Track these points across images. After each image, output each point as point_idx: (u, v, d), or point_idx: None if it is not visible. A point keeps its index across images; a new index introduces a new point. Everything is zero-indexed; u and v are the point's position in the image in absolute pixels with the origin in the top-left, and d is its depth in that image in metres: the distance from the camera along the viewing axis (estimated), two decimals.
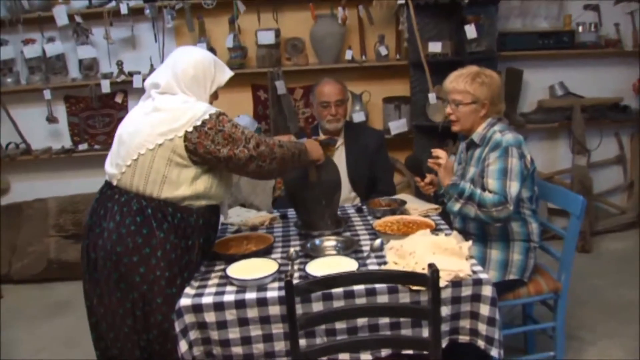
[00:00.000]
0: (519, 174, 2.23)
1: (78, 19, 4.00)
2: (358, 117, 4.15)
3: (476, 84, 2.35)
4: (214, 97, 2.16)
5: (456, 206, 2.28)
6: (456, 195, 2.27)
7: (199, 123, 1.95)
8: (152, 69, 4.14)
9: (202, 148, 1.96)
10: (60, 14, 3.97)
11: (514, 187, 2.21)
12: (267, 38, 4.04)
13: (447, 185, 2.31)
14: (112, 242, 1.94)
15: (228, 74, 2.18)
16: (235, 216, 2.70)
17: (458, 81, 2.38)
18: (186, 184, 2.00)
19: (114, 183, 2.02)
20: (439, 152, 2.38)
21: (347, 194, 3.08)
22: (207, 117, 1.96)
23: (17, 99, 4.23)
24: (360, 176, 3.09)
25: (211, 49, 4.13)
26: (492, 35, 3.92)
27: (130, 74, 4.09)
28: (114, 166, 2.03)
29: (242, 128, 2.03)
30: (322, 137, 2.55)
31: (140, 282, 1.94)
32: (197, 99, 2.04)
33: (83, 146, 4.30)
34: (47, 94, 4.12)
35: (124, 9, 3.95)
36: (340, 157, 3.12)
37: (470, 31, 3.72)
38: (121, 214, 1.97)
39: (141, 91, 4.10)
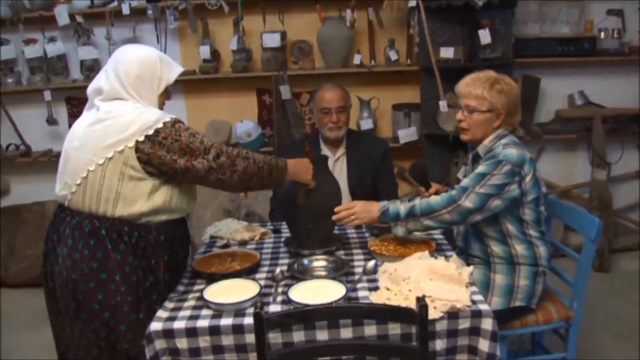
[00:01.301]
0: (494, 187, 2.05)
1: (79, 18, 3.89)
2: (366, 124, 3.99)
3: (495, 90, 2.15)
4: (164, 97, 1.99)
5: (400, 230, 2.14)
6: (392, 224, 2.14)
7: (151, 132, 1.79)
8: None
9: (157, 159, 1.81)
10: (61, 14, 3.87)
11: (480, 189, 2.05)
12: (273, 40, 3.89)
13: (377, 218, 2.16)
14: (66, 269, 1.81)
15: (177, 70, 1.98)
16: (226, 228, 2.56)
17: (475, 85, 2.17)
18: (142, 199, 1.84)
19: (65, 204, 1.87)
20: (341, 208, 2.18)
21: None
22: (160, 125, 1.80)
23: (17, 99, 4.14)
24: (361, 188, 2.92)
25: (215, 51, 4.01)
26: (508, 41, 3.73)
27: None
28: (63, 186, 1.88)
29: (200, 137, 1.87)
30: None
31: (100, 310, 1.80)
32: (146, 102, 1.88)
33: None
34: (48, 95, 4.03)
35: (125, 9, 3.83)
36: (341, 168, 2.96)
37: (485, 36, 3.54)
38: (73, 237, 1.83)
39: None
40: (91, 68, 4.05)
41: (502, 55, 3.65)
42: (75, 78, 4.13)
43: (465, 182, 2.11)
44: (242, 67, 3.98)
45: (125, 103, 1.86)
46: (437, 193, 2.32)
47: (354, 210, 2.16)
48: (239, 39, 3.92)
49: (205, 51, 3.92)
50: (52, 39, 4.00)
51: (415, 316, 1.36)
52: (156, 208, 1.87)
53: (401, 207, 2.12)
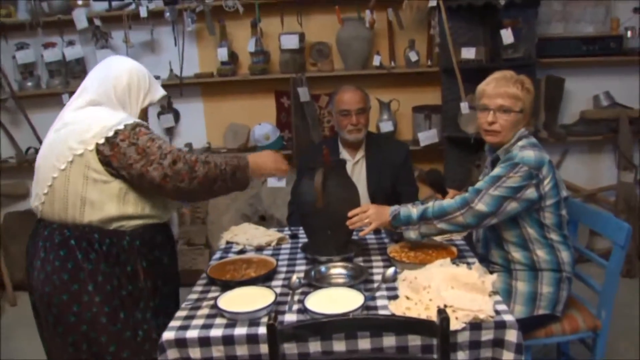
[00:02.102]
0: (509, 189, 1.97)
1: (97, 22, 3.89)
2: (386, 126, 3.92)
3: (525, 90, 2.07)
4: (143, 115, 1.94)
5: (413, 234, 2.06)
6: (404, 226, 2.06)
7: (111, 134, 1.73)
8: (171, 74, 4.01)
9: (116, 161, 1.74)
10: (79, 17, 3.87)
11: (494, 192, 1.97)
12: (291, 42, 3.85)
13: (389, 223, 2.08)
14: (41, 283, 1.76)
15: (161, 92, 1.98)
16: (242, 234, 2.51)
17: (508, 84, 2.06)
18: (111, 203, 1.77)
19: (39, 216, 1.83)
20: (354, 212, 2.10)
21: None
22: (121, 127, 1.74)
23: (36, 103, 4.14)
24: (381, 192, 2.86)
25: (233, 54, 3.98)
26: (531, 41, 3.63)
27: None
28: (34, 197, 1.84)
29: (160, 142, 1.78)
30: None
31: (77, 323, 1.75)
32: (127, 111, 1.85)
33: None
34: (66, 99, 4.01)
35: (143, 12, 3.82)
36: (360, 171, 2.90)
37: (507, 36, 3.45)
38: (45, 249, 1.78)
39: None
40: None
41: (524, 55, 3.56)
42: None
43: (479, 184, 2.04)
44: (260, 69, 3.94)
45: (95, 108, 1.81)
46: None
47: (367, 214, 2.09)
48: (257, 41, 3.89)
49: (223, 53, 3.89)
50: (70, 43, 4.00)
51: (436, 329, 1.29)
52: (127, 213, 1.80)
53: (413, 210, 2.05)
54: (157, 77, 3.91)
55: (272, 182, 4.03)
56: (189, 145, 4.16)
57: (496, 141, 2.13)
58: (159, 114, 4.14)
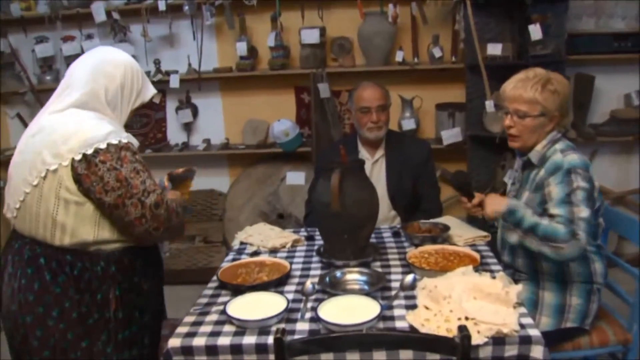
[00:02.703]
0: (586, 200, 1.84)
1: (116, 15, 3.84)
2: (408, 124, 3.82)
3: (547, 92, 1.94)
4: (133, 114, 1.77)
5: (513, 237, 1.92)
6: (512, 225, 1.91)
7: (90, 151, 1.53)
8: (189, 68, 3.95)
9: (88, 183, 1.54)
10: (98, 11, 3.82)
11: (583, 214, 1.82)
12: (312, 37, 3.75)
13: (501, 211, 1.94)
14: (7, 299, 1.63)
15: (152, 90, 1.79)
16: (256, 234, 2.44)
17: (525, 87, 1.95)
18: (85, 227, 1.59)
19: (12, 228, 1.68)
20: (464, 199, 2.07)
21: (385, 213, 2.76)
22: (103, 145, 1.54)
23: None
24: (401, 193, 2.76)
25: (252, 48, 3.90)
26: (561, 37, 3.48)
27: (167, 73, 3.90)
28: (7, 208, 1.68)
29: (144, 177, 1.59)
30: (179, 170, 2.01)
31: (40, 347, 1.60)
32: (117, 114, 1.68)
33: None
34: None
35: (161, 6, 3.75)
36: (380, 170, 2.81)
37: (535, 32, 3.32)
38: (13, 264, 1.63)
39: (177, 91, 4.00)
40: None
41: (553, 52, 3.42)
42: None
43: (559, 212, 1.85)
44: (280, 64, 3.85)
45: (77, 112, 1.62)
46: (480, 204, 2.13)
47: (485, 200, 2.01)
48: (277, 36, 3.80)
49: (242, 48, 3.81)
50: (89, 36, 3.96)
51: (457, 348, 1.20)
52: (103, 238, 1.62)
53: (528, 215, 1.89)
54: (175, 72, 3.88)
55: (291, 179, 3.97)
56: (207, 141, 4.09)
57: (517, 146, 2.04)
58: (177, 109, 4.09)
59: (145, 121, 4.21)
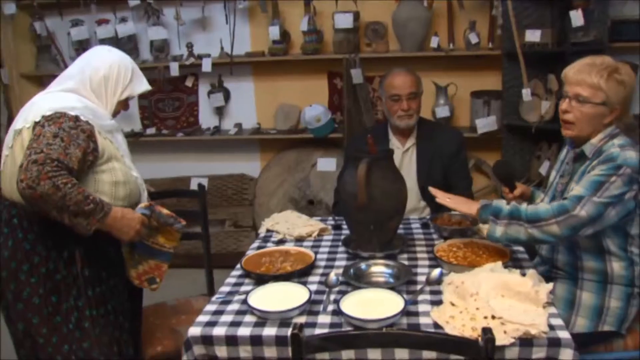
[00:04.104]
0: (615, 197, 1.75)
1: None
2: (442, 112, 3.73)
3: (613, 80, 1.81)
4: (122, 106, 1.98)
5: (498, 231, 1.84)
6: (492, 218, 1.85)
7: (43, 114, 1.74)
8: (222, 52, 3.93)
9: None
10: None
11: (596, 199, 1.74)
12: (345, 21, 3.69)
13: (476, 210, 1.90)
14: None
15: (145, 86, 2.00)
16: (283, 222, 2.41)
17: (591, 72, 1.83)
18: None
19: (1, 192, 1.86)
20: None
21: (415, 204, 2.70)
22: (49, 112, 1.74)
23: None
24: (432, 183, 2.68)
25: (285, 32, 3.85)
26: (603, 23, 3.34)
27: (200, 57, 3.89)
28: None
29: (56, 142, 1.66)
30: (165, 211, 1.95)
31: (14, 300, 1.79)
32: (101, 103, 1.89)
33: (151, 130, 4.16)
34: None
35: None
36: (410, 160, 2.75)
37: (577, 18, 3.18)
38: None
39: (209, 75, 3.98)
40: (160, 48, 4.00)
41: (595, 39, 3.28)
42: (144, 59, 4.10)
43: (578, 190, 1.79)
44: (313, 49, 3.80)
45: (61, 94, 1.85)
46: (522, 195, 2.06)
47: (454, 197, 2.02)
48: (310, 20, 3.75)
49: (274, 32, 3.77)
50: (123, 19, 3.98)
51: (480, 351, 1.15)
52: None
53: (505, 206, 1.85)
54: (208, 55, 3.87)
55: (322, 165, 3.93)
56: (238, 125, 4.08)
57: (571, 134, 1.93)
58: (209, 93, 4.08)
59: (177, 104, 4.22)
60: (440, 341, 1.20)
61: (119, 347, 1.89)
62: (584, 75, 1.84)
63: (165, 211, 1.94)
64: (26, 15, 4.09)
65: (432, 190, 2.09)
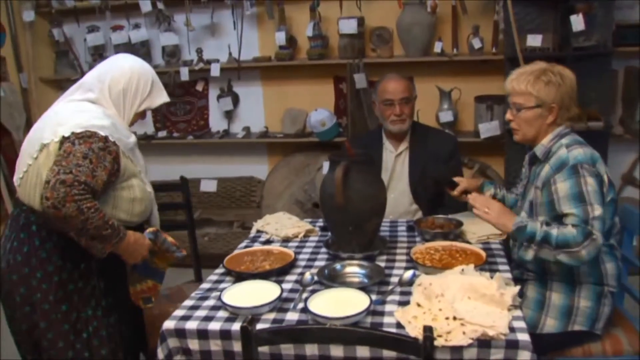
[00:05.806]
0: (597, 195, 1.80)
1: (160, 5, 3.95)
2: (445, 116, 3.75)
3: (541, 83, 1.93)
4: (139, 116, 1.99)
5: (529, 254, 1.87)
6: (525, 244, 1.87)
7: (72, 131, 1.73)
8: (230, 57, 4.02)
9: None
10: (144, 1, 3.94)
11: (597, 212, 1.78)
12: (349, 27, 3.74)
13: (511, 230, 1.89)
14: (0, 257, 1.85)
15: (164, 98, 2.01)
16: (273, 223, 2.48)
17: (519, 80, 1.97)
18: None
19: (16, 195, 1.89)
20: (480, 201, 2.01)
21: (407, 207, 2.74)
22: (80, 130, 1.73)
23: None
24: (424, 187, 2.73)
25: (291, 38, 3.92)
26: (608, 27, 3.32)
27: (209, 62, 3.98)
28: (16, 178, 1.86)
29: (85, 163, 1.67)
30: (170, 239, 2.01)
31: (22, 303, 1.81)
32: (119, 114, 1.88)
33: (162, 133, 4.28)
34: None
35: None
36: (403, 163, 2.79)
37: (577, 22, 3.18)
38: (10, 228, 1.86)
39: (219, 80, 4.07)
40: (172, 54, 4.11)
41: (598, 43, 3.27)
42: (157, 64, 4.21)
43: (572, 214, 1.81)
44: (318, 54, 3.86)
45: (85, 103, 1.85)
46: (466, 192, 2.16)
47: (491, 207, 1.95)
48: (315, 25, 3.81)
49: (281, 37, 3.84)
50: (136, 26, 4.10)
51: (420, 349, 1.19)
52: None
53: (537, 226, 1.84)
54: (217, 61, 3.96)
55: (327, 168, 3.98)
56: (246, 128, 4.16)
57: (518, 138, 2.05)
58: (219, 97, 4.17)
59: (188, 108, 4.32)
60: (381, 338, 1.24)
61: (124, 354, 1.98)
62: (514, 84, 1.98)
63: (170, 239, 2.00)
64: (45, 22, 4.25)
65: (471, 199, 2.03)
